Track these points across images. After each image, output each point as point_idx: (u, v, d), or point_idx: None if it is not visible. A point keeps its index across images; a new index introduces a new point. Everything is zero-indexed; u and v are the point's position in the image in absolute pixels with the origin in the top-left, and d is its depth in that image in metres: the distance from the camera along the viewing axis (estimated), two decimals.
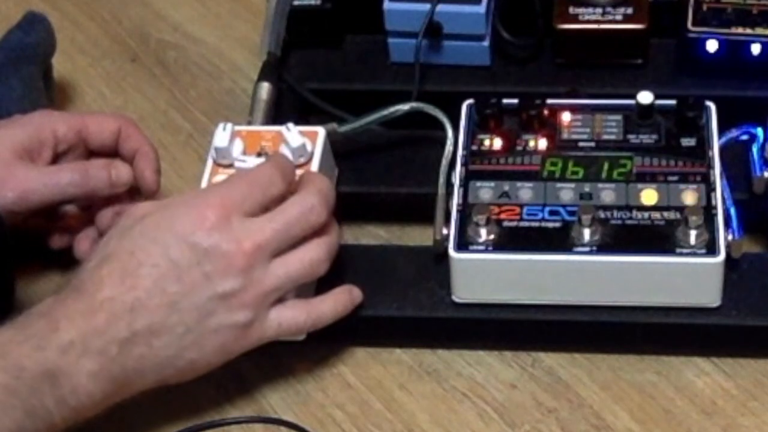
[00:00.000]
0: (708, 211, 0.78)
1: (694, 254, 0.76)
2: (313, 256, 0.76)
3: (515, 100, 0.85)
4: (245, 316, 0.74)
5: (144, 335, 0.72)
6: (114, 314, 0.71)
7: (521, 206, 0.80)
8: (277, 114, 0.90)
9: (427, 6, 0.90)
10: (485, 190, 0.81)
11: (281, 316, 0.76)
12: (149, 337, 0.72)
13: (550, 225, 0.79)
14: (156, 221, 0.73)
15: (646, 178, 0.81)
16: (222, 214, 0.73)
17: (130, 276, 0.72)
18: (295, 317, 0.76)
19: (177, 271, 0.72)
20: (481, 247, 0.78)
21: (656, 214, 0.79)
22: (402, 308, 0.81)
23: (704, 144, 0.82)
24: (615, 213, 0.79)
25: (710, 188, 0.79)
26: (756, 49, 0.88)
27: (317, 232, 0.76)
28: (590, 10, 0.91)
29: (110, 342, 0.71)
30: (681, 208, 0.78)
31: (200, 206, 0.73)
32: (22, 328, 0.70)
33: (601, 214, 0.78)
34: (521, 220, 0.79)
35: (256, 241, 0.73)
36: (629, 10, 0.91)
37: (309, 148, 0.82)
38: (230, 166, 0.81)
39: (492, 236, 0.78)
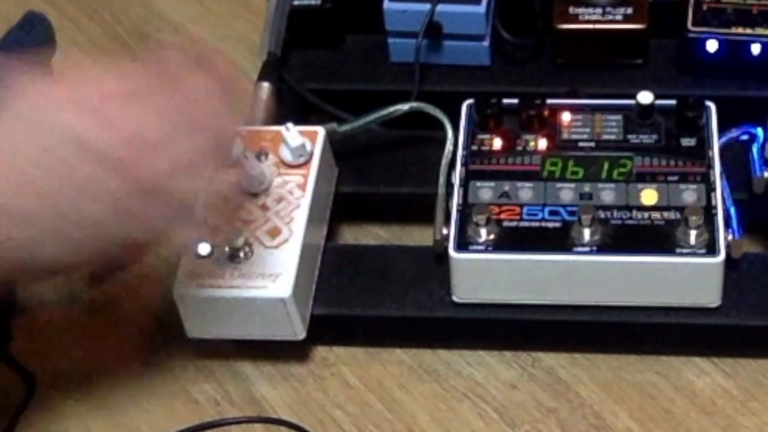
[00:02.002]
0: (708, 211, 0.78)
1: (694, 254, 0.76)
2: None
3: (515, 100, 0.85)
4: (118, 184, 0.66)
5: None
6: None
7: (521, 206, 0.80)
8: (277, 114, 0.90)
9: (427, 6, 0.90)
10: (485, 190, 0.81)
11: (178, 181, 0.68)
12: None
13: (550, 225, 0.79)
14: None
15: (646, 178, 0.81)
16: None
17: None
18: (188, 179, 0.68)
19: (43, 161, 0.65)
20: (481, 247, 0.78)
21: (656, 214, 0.79)
22: (402, 308, 0.81)
23: (704, 144, 0.82)
24: (615, 213, 0.79)
25: (710, 188, 0.79)
26: (756, 49, 0.88)
27: None
28: (590, 10, 0.91)
29: None
30: (681, 208, 0.78)
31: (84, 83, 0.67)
32: None
33: (601, 214, 0.78)
34: (521, 220, 0.79)
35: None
36: (629, 10, 0.91)
37: (309, 147, 0.82)
38: (230, 165, 0.81)
39: (492, 236, 0.78)
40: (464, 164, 0.82)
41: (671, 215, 0.78)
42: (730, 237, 0.78)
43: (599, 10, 0.91)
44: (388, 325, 0.82)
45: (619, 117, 0.84)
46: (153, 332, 0.84)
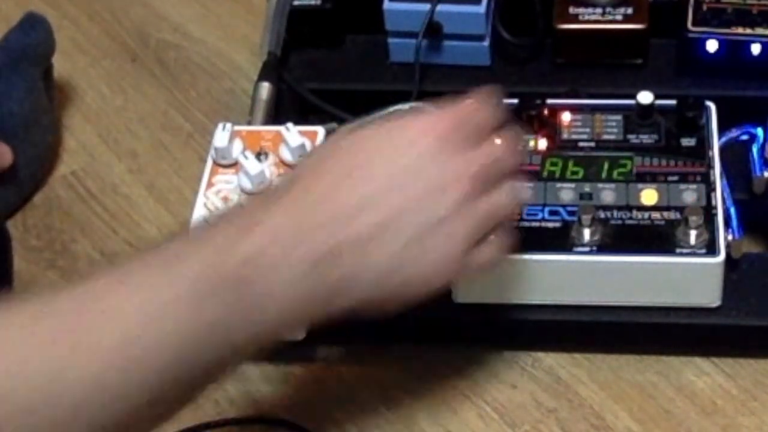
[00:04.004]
0: (708, 211, 0.78)
1: (694, 254, 0.76)
2: (511, 196, 0.70)
3: (515, 100, 0.85)
4: (458, 244, 0.67)
5: (356, 244, 0.63)
6: (323, 221, 0.63)
7: (521, 206, 0.80)
8: (277, 114, 0.90)
9: (427, 6, 0.90)
10: None
11: (484, 250, 0.69)
12: (362, 245, 0.63)
13: (550, 225, 0.79)
14: (370, 136, 0.67)
15: (646, 178, 0.81)
16: (443, 136, 0.66)
17: (346, 183, 0.64)
18: (493, 249, 0.70)
19: (400, 182, 0.65)
20: None
21: (656, 214, 0.78)
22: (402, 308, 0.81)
23: (704, 144, 0.82)
24: (615, 213, 0.79)
25: (710, 188, 0.79)
26: (756, 49, 0.88)
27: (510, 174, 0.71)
28: (590, 10, 0.91)
29: (306, 255, 0.62)
30: (681, 208, 0.78)
31: (419, 125, 0.67)
32: (203, 236, 0.63)
33: (601, 214, 0.78)
34: (521, 220, 0.79)
35: (474, 171, 0.67)
36: (629, 10, 0.91)
37: (308, 147, 0.82)
38: (230, 165, 0.81)
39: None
40: None
41: (671, 215, 0.78)
42: (730, 237, 0.78)
43: (599, 10, 0.91)
44: (388, 325, 0.82)
45: (619, 117, 0.84)
46: None
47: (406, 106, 0.84)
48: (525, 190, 0.74)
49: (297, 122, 0.83)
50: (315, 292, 0.64)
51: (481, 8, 0.91)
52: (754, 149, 0.83)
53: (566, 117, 0.84)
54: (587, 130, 0.84)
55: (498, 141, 0.69)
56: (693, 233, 0.76)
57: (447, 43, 0.92)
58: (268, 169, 0.82)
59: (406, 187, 0.65)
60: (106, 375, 0.59)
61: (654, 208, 0.79)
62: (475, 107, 0.70)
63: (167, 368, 0.61)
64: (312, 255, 0.63)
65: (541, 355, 0.81)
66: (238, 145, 0.81)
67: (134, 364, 0.60)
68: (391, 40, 0.94)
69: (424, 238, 0.65)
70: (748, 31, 0.88)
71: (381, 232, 0.64)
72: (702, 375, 0.80)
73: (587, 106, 0.85)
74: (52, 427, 0.59)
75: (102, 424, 0.60)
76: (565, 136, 0.84)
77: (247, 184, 0.81)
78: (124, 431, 0.61)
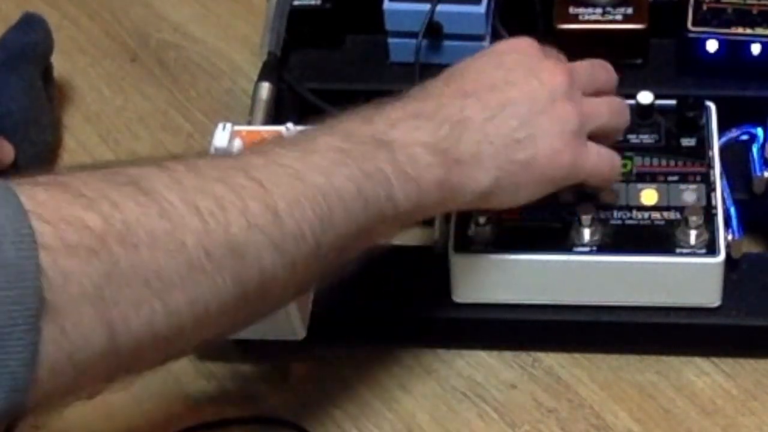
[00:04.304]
0: (708, 211, 0.78)
1: (694, 254, 0.76)
2: (623, 104, 0.78)
3: None
4: (572, 124, 0.73)
5: (477, 122, 0.70)
6: (443, 103, 0.70)
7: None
8: (277, 114, 0.90)
9: (427, 6, 0.90)
10: None
11: (599, 149, 0.75)
12: (483, 124, 0.70)
13: (550, 225, 0.79)
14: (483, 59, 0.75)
15: (646, 178, 0.81)
16: (552, 55, 0.76)
17: (455, 80, 0.73)
18: (609, 155, 0.76)
19: (507, 73, 0.73)
20: (481, 247, 0.78)
21: (656, 214, 0.79)
22: (402, 308, 0.81)
23: (704, 144, 0.82)
24: (615, 213, 0.79)
25: (710, 188, 0.79)
26: (756, 49, 0.88)
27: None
28: (590, 10, 0.91)
29: (442, 122, 0.69)
30: (681, 208, 0.78)
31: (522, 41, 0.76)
32: (346, 116, 0.69)
33: (601, 214, 0.78)
34: (521, 220, 0.79)
35: (580, 77, 0.76)
36: (629, 10, 0.91)
37: None
38: None
39: (492, 236, 0.78)
40: None
41: (671, 215, 0.78)
42: (730, 237, 0.78)
43: (599, 10, 0.91)
44: (388, 325, 0.82)
45: None
46: None
47: None
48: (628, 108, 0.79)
49: (297, 122, 0.83)
50: (452, 159, 0.69)
51: (481, 8, 0.91)
52: (754, 149, 0.83)
53: None
54: None
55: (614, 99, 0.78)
56: (693, 233, 0.76)
57: (447, 43, 0.92)
58: None
59: (506, 82, 0.72)
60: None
61: (654, 208, 0.79)
62: (596, 67, 0.79)
63: (334, 204, 0.64)
64: (438, 126, 0.69)
65: (541, 355, 0.81)
66: (238, 145, 0.81)
67: (303, 192, 0.63)
68: (391, 40, 0.94)
69: (536, 118, 0.71)
70: (748, 31, 0.88)
71: (493, 116, 0.70)
72: (702, 375, 0.80)
73: None
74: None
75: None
76: None
77: None
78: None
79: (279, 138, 0.72)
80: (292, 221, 0.62)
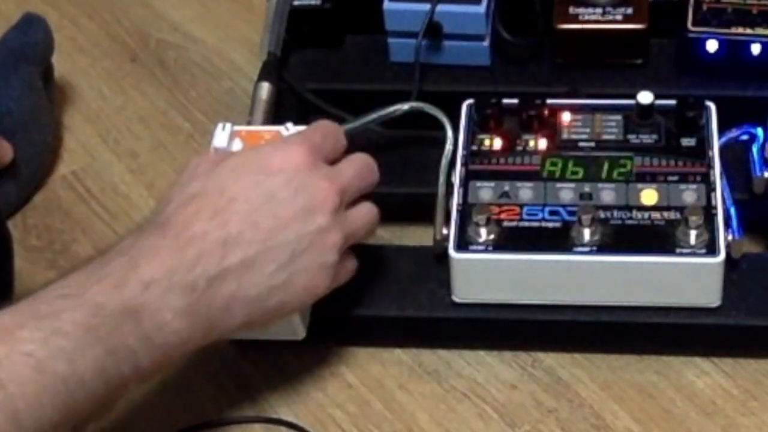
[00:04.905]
0: (708, 211, 0.78)
1: (694, 254, 0.76)
2: (374, 211, 0.77)
3: (515, 100, 0.85)
4: (333, 256, 0.73)
5: (235, 272, 0.70)
6: (204, 250, 0.69)
7: (521, 206, 0.80)
8: (277, 114, 0.90)
9: (427, 6, 0.90)
10: (485, 190, 0.81)
11: (346, 263, 0.76)
12: (240, 273, 0.70)
13: (550, 225, 0.79)
14: (242, 161, 0.73)
15: (646, 178, 0.81)
16: (310, 154, 0.73)
17: (221, 212, 0.70)
18: (351, 265, 0.77)
19: (271, 206, 0.71)
20: (481, 247, 0.78)
21: (656, 214, 0.79)
22: (402, 308, 0.81)
23: (704, 144, 0.82)
24: (615, 213, 0.79)
25: (710, 188, 0.79)
26: (756, 49, 0.88)
27: (366, 195, 0.77)
28: (590, 10, 0.91)
29: (198, 278, 0.69)
30: (681, 208, 0.78)
31: (288, 146, 0.74)
32: (99, 268, 0.68)
33: (601, 214, 0.78)
34: (521, 220, 0.79)
35: (342, 184, 0.74)
36: (629, 10, 0.91)
37: None
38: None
39: (492, 236, 0.78)
40: (464, 164, 0.82)
41: (671, 215, 0.78)
42: (730, 237, 0.78)
43: (599, 10, 0.91)
44: (388, 325, 0.82)
45: (619, 117, 0.84)
46: None
47: (405, 105, 0.84)
48: (377, 210, 0.78)
49: (297, 122, 0.83)
50: (203, 315, 0.69)
51: (481, 8, 0.91)
52: (754, 149, 0.83)
53: (566, 117, 0.85)
54: (587, 130, 0.84)
55: (361, 157, 0.77)
56: (693, 233, 0.76)
57: (447, 43, 0.92)
58: None
59: (273, 216, 0.71)
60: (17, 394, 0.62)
61: (654, 208, 0.79)
62: (326, 131, 0.77)
63: (75, 389, 0.64)
64: (193, 284, 0.69)
65: (541, 355, 0.81)
66: (237, 144, 0.81)
67: (45, 386, 0.62)
68: (391, 40, 0.94)
69: (298, 257, 0.72)
70: (748, 31, 0.88)
71: (253, 262, 0.70)
72: (702, 375, 0.80)
73: (587, 106, 0.85)
74: None
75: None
76: (565, 136, 0.84)
77: None
78: None
79: (32, 304, 0.66)
80: (32, 423, 0.62)
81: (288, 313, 0.74)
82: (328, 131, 0.77)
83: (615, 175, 0.81)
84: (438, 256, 0.81)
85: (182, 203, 0.71)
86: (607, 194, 0.80)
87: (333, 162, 0.76)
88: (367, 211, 0.77)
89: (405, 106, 0.85)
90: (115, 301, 0.66)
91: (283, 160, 0.73)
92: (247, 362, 0.81)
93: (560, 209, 0.79)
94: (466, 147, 0.83)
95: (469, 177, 0.82)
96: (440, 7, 0.90)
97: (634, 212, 0.79)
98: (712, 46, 0.89)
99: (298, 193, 0.72)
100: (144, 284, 0.67)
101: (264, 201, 0.71)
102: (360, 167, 0.76)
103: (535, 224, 0.79)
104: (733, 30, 0.89)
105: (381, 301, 0.81)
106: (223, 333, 0.72)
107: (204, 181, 0.72)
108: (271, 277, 0.71)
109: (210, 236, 0.70)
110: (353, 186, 0.75)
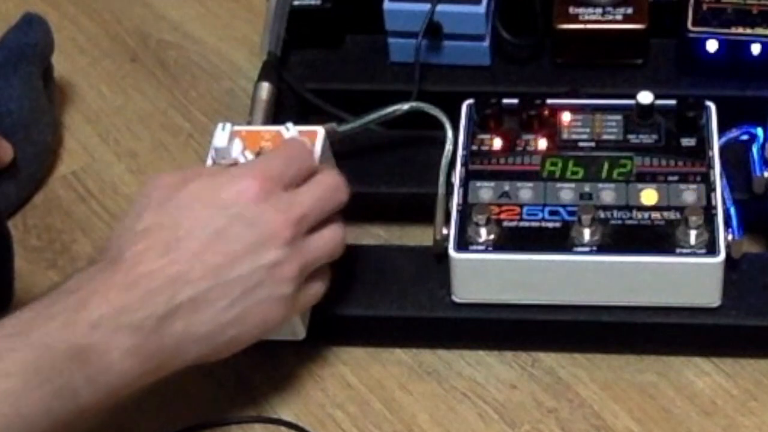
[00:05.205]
0: (708, 211, 0.78)
1: (694, 254, 0.76)
2: (339, 234, 0.76)
3: (515, 100, 0.85)
4: (288, 288, 0.72)
5: (185, 310, 0.69)
6: (152, 289, 0.69)
7: (521, 206, 0.80)
8: (277, 114, 0.90)
9: (427, 6, 0.90)
10: (485, 190, 0.81)
11: (308, 290, 0.75)
12: (190, 312, 0.69)
13: (550, 225, 0.79)
14: (196, 192, 0.72)
15: (646, 178, 0.81)
16: (263, 185, 0.72)
17: (171, 249, 0.70)
18: (316, 289, 0.76)
19: (220, 243, 0.71)
20: (481, 247, 0.78)
21: (656, 214, 0.79)
22: (402, 308, 0.81)
23: (704, 144, 0.82)
24: (615, 213, 0.79)
25: (710, 188, 0.79)
26: (756, 49, 0.88)
27: (334, 215, 0.76)
28: (590, 10, 0.91)
29: (147, 317, 0.68)
30: (681, 208, 0.78)
31: (243, 177, 0.73)
32: (49, 305, 0.67)
33: (601, 214, 0.78)
34: (521, 220, 0.79)
35: (297, 213, 0.73)
36: (629, 10, 0.91)
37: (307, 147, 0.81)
38: (230, 165, 0.81)
39: (492, 236, 0.78)
40: (464, 164, 0.82)
41: (671, 215, 0.78)
42: (730, 237, 0.78)
43: (599, 10, 0.91)
44: (388, 325, 0.82)
45: (619, 117, 0.84)
46: None
47: (405, 105, 0.84)
48: (344, 228, 0.78)
49: (297, 122, 0.83)
50: (152, 354, 0.69)
51: (481, 8, 0.91)
52: (754, 149, 0.83)
53: (566, 117, 0.85)
54: (587, 130, 0.84)
55: (329, 176, 0.76)
56: (693, 233, 0.76)
57: (447, 43, 0.92)
58: None
59: (224, 252, 0.71)
60: None
61: (654, 208, 0.79)
62: (289, 154, 0.75)
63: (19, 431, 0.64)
64: (141, 323, 0.68)
65: (541, 355, 0.81)
66: (237, 145, 0.81)
67: None
68: (391, 40, 0.94)
69: (251, 292, 0.71)
70: (748, 31, 0.88)
71: (204, 299, 0.70)
72: (702, 375, 0.80)
73: (587, 106, 0.85)
74: None
75: None
76: (565, 136, 0.84)
77: None
78: None
79: None
80: None
81: (242, 346, 0.73)
82: (292, 155, 0.76)
83: (615, 175, 0.81)
84: (438, 256, 0.81)
85: (133, 239, 0.70)
86: (607, 194, 0.80)
87: (301, 183, 0.75)
88: (330, 234, 0.75)
89: (405, 106, 0.84)
90: (62, 341, 0.66)
91: (236, 194, 0.72)
92: (247, 362, 0.81)
93: (560, 209, 0.79)
94: (466, 147, 0.83)
95: (469, 177, 0.82)
96: (440, 7, 0.90)
97: (634, 212, 0.79)
98: (712, 46, 0.89)
99: (250, 227, 0.71)
100: (92, 324, 0.67)
101: (215, 237, 0.71)
102: (323, 190, 0.75)
103: (535, 224, 0.79)
104: (733, 30, 0.89)
105: (381, 301, 0.81)
106: (176, 369, 0.72)
107: (155, 214, 0.71)
108: (223, 313, 0.71)
109: (159, 274, 0.69)
110: (314, 212, 0.74)
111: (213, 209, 0.71)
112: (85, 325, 0.67)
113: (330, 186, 0.76)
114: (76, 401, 0.66)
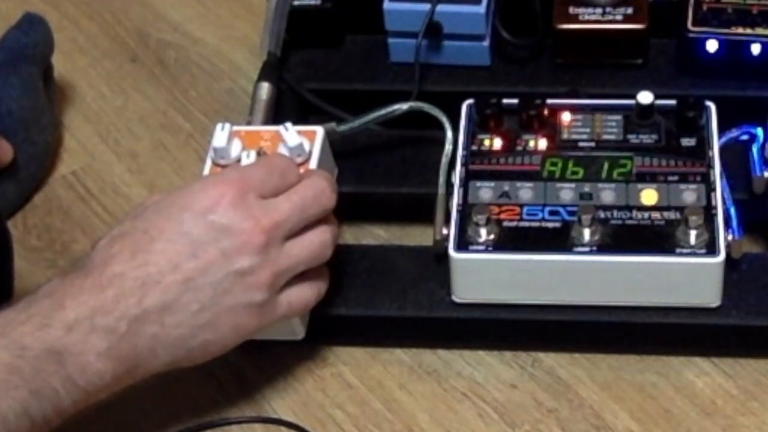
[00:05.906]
0: (708, 211, 0.78)
1: (694, 254, 0.76)
2: (322, 238, 0.76)
3: (515, 100, 0.85)
4: (261, 295, 0.73)
5: (156, 313, 0.70)
6: (123, 291, 0.69)
7: (521, 206, 0.80)
8: (276, 114, 0.90)
9: (427, 6, 0.90)
10: (485, 190, 0.81)
11: (290, 296, 0.75)
12: (161, 314, 0.70)
13: (550, 225, 0.79)
14: (172, 200, 0.73)
15: (646, 178, 0.81)
16: (240, 192, 0.72)
17: (141, 252, 0.70)
18: (304, 295, 0.76)
19: (193, 247, 0.71)
20: (481, 247, 0.78)
21: (656, 214, 0.79)
22: (402, 308, 0.81)
23: (704, 144, 0.82)
24: (615, 213, 0.79)
25: (710, 188, 0.79)
26: (756, 49, 0.88)
27: (322, 218, 0.76)
28: (590, 10, 0.91)
29: (119, 319, 0.69)
30: (681, 208, 0.78)
31: (218, 184, 0.73)
32: (25, 308, 0.68)
33: (601, 214, 0.78)
34: (521, 220, 0.79)
35: (273, 219, 0.73)
36: (629, 10, 0.91)
37: (307, 147, 0.81)
38: (229, 165, 0.81)
39: (492, 236, 0.78)
40: (464, 164, 0.82)
41: (671, 215, 0.78)
42: (730, 237, 0.78)
43: (599, 10, 0.91)
44: (388, 325, 0.82)
45: (619, 117, 0.84)
46: None
47: (405, 105, 0.84)
48: (336, 230, 0.78)
49: (297, 122, 0.83)
50: (126, 357, 0.70)
51: (481, 8, 0.91)
52: (754, 149, 0.83)
53: (566, 117, 0.85)
54: (587, 130, 0.84)
55: (314, 182, 0.76)
56: (693, 233, 0.76)
57: (447, 43, 0.92)
58: None
59: (196, 256, 0.71)
60: None
61: (654, 208, 0.79)
62: (272, 166, 0.75)
63: None
64: (114, 325, 0.69)
65: (541, 355, 0.81)
66: (236, 145, 0.81)
67: None
68: (391, 40, 0.94)
69: (221, 298, 0.72)
70: (748, 31, 0.88)
71: (175, 303, 0.70)
72: (702, 375, 0.80)
73: (587, 106, 0.85)
74: None
75: None
76: (565, 136, 0.84)
77: None
78: None
79: None
80: None
81: (215, 353, 0.74)
82: (275, 167, 0.76)
83: (615, 175, 0.81)
84: (438, 256, 0.81)
85: (107, 243, 0.72)
86: (607, 194, 0.80)
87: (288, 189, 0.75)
88: (314, 238, 0.75)
89: (405, 106, 0.85)
90: (39, 342, 0.67)
91: (212, 200, 0.72)
92: (247, 362, 0.81)
93: (560, 209, 0.79)
94: (466, 147, 0.83)
95: (469, 177, 0.82)
96: (440, 7, 0.90)
97: (634, 212, 0.79)
98: (712, 46, 0.89)
99: (221, 234, 0.71)
100: (67, 326, 0.68)
101: (186, 242, 0.71)
102: (305, 197, 0.75)
103: (535, 224, 0.79)
104: (733, 30, 0.89)
105: (381, 301, 0.81)
106: (150, 372, 0.72)
107: (134, 219, 0.72)
108: (194, 317, 0.71)
109: (128, 276, 0.70)
110: (291, 219, 0.74)
111: (188, 214, 0.72)
112: (60, 327, 0.68)
113: (313, 191, 0.75)
114: (53, 402, 0.67)
